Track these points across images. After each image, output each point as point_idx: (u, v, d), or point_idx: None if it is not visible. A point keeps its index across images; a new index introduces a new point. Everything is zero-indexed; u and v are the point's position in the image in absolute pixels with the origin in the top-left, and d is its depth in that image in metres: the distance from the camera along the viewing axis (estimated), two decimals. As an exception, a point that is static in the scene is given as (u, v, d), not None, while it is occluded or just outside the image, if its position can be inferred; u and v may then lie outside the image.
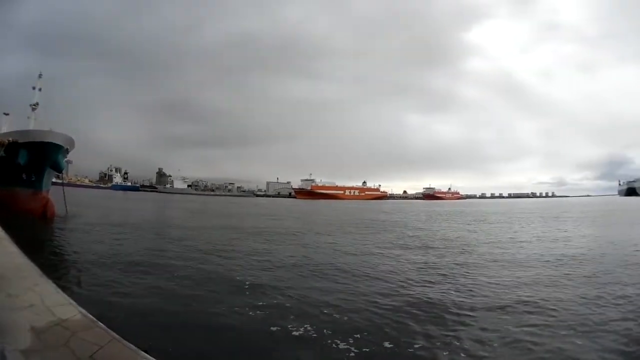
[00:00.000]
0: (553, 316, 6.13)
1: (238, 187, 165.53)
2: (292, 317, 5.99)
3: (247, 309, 6.33)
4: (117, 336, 3.81)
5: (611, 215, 35.25)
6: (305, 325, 5.64)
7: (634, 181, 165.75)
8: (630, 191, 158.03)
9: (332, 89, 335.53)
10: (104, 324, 4.13)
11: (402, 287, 8.08)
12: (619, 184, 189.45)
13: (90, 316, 4.30)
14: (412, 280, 8.69)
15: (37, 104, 22.58)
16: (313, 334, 5.43)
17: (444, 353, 4.75)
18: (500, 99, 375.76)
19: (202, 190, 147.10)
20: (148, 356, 3.54)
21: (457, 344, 5.03)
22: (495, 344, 5.04)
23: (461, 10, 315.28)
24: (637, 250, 12.83)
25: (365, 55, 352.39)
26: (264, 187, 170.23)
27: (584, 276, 9.11)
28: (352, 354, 4.86)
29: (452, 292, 7.57)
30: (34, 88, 22.77)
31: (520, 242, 15.89)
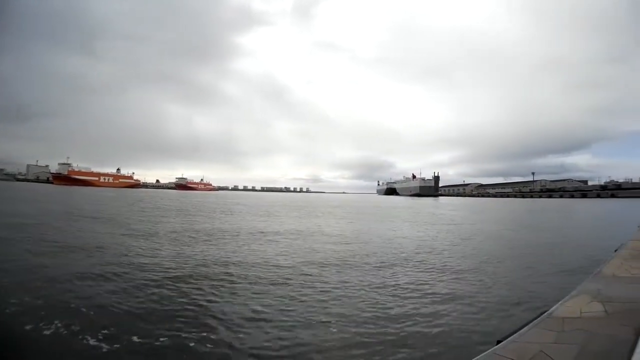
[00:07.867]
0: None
1: (0, 170, 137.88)
2: (42, 313, 5.74)
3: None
4: None
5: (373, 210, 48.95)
6: (56, 322, 5.51)
7: (393, 182, 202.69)
8: (390, 191, 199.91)
9: (103, 70, 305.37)
10: None
11: (151, 278, 8.50)
12: (379, 184, 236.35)
13: None
14: (159, 272, 9.12)
15: None
16: (64, 331, 5.40)
17: (190, 344, 5.60)
18: (261, 100, 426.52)
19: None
20: None
21: (206, 334, 5.80)
22: (245, 327, 5.90)
23: (242, 15, 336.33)
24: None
25: (142, 42, 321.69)
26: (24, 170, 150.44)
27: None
28: (104, 350, 5.18)
29: (206, 283, 8.40)
30: None
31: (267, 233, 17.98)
